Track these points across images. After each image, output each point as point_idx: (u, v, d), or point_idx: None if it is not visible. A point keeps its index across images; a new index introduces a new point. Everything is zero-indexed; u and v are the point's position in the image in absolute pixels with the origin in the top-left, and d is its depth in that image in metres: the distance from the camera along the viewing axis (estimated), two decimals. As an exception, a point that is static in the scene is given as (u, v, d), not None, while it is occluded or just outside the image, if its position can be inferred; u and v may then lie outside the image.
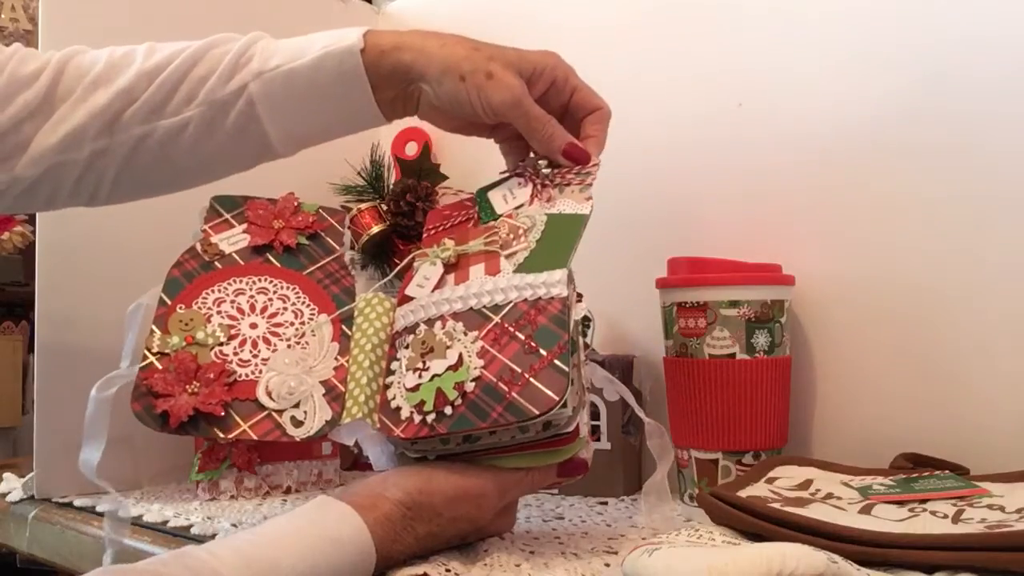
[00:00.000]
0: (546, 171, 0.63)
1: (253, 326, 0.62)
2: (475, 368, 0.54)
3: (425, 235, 0.66)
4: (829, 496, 0.58)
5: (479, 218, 0.64)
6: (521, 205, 0.62)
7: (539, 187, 0.62)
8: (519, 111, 0.62)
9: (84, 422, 0.59)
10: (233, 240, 0.68)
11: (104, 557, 0.60)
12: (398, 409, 0.56)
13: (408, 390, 0.56)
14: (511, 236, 0.60)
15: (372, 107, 0.63)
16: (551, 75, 0.63)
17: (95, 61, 0.63)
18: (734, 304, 0.68)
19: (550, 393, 0.51)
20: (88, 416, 0.59)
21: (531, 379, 0.52)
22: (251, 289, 0.65)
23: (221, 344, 0.61)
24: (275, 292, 0.65)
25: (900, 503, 0.54)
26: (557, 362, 0.53)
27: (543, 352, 0.53)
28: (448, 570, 0.52)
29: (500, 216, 0.63)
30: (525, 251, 0.59)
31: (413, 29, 0.63)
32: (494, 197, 0.64)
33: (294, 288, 0.65)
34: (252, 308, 0.64)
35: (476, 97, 0.61)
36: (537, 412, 0.51)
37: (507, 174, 0.66)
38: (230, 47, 0.63)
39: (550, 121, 0.62)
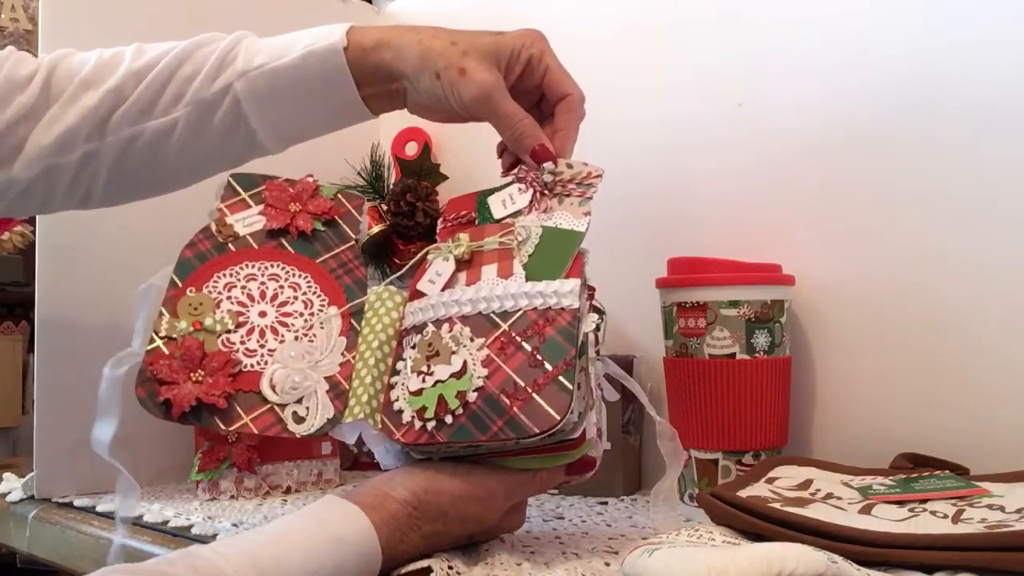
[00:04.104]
0: (547, 178, 0.62)
1: (262, 314, 0.61)
2: (478, 377, 0.53)
3: (440, 227, 0.65)
4: (829, 496, 0.58)
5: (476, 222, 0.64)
6: (519, 211, 0.62)
7: (539, 195, 0.62)
8: (489, 107, 0.61)
9: (97, 399, 0.58)
10: (248, 222, 0.67)
11: (110, 555, 0.60)
12: (400, 412, 0.55)
13: (411, 393, 0.55)
14: None
15: (358, 103, 0.64)
16: (527, 55, 0.63)
17: (84, 62, 0.64)
18: (734, 304, 0.68)
19: (551, 412, 0.51)
20: (100, 394, 0.58)
21: (534, 395, 0.52)
22: (263, 275, 0.64)
23: (229, 331, 0.60)
24: (287, 280, 0.64)
25: (900, 503, 0.54)
26: (562, 379, 0.52)
27: (548, 367, 0.52)
28: (451, 567, 0.52)
29: (497, 221, 0.62)
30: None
31: (396, 24, 0.64)
32: (493, 202, 0.64)
33: (306, 277, 0.64)
34: (263, 295, 0.63)
35: (451, 93, 0.61)
36: (537, 431, 0.51)
37: (509, 179, 0.65)
38: (216, 46, 0.64)
39: (521, 120, 0.62)
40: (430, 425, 0.53)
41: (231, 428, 0.56)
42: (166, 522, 0.70)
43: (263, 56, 0.63)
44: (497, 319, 0.56)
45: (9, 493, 0.82)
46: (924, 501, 0.54)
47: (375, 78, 0.63)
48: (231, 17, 0.67)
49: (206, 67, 0.63)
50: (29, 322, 1.50)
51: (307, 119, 0.66)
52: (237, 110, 0.63)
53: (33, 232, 0.86)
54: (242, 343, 0.60)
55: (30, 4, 1.45)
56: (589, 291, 0.60)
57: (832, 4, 0.76)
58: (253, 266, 0.64)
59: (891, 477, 0.61)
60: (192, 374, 0.57)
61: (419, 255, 0.63)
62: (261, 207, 0.68)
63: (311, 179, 0.71)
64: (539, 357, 0.53)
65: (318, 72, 0.62)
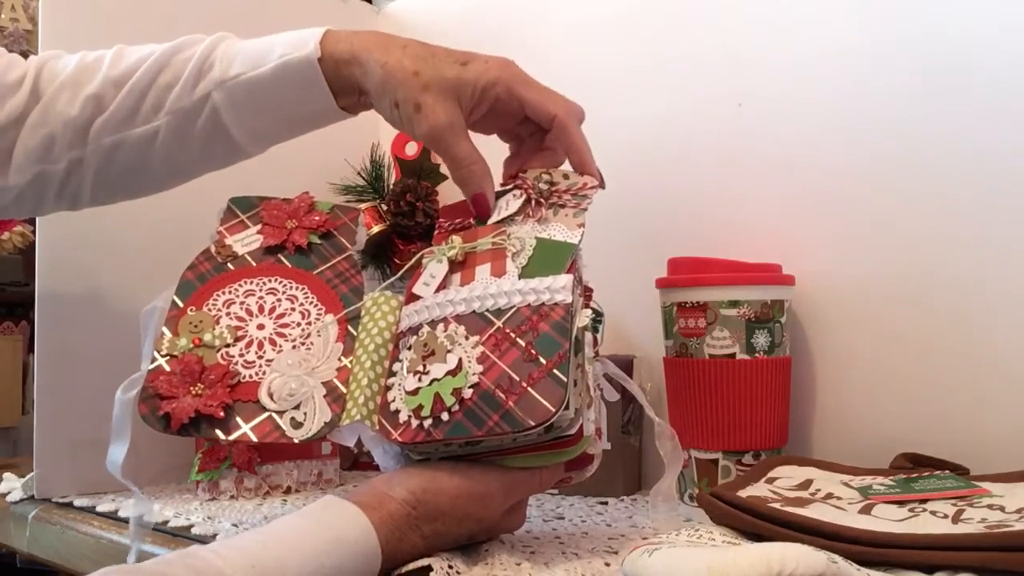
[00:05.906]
0: (543, 187, 0.62)
1: (260, 327, 0.63)
2: (474, 374, 0.54)
3: (436, 232, 0.66)
4: (829, 496, 0.58)
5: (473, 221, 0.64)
6: (511, 217, 0.62)
7: (533, 203, 0.62)
8: (440, 148, 0.62)
9: (112, 423, 0.59)
10: (247, 241, 0.69)
11: (128, 556, 0.61)
12: (397, 412, 0.56)
13: (407, 393, 0.55)
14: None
15: (335, 109, 0.65)
16: (492, 94, 0.62)
17: (66, 65, 0.65)
18: (734, 304, 0.68)
19: (547, 404, 0.51)
20: (114, 417, 0.59)
21: (529, 388, 0.52)
22: (261, 290, 0.65)
23: (228, 345, 0.61)
24: (284, 293, 0.65)
25: (900, 503, 0.54)
26: (556, 372, 0.52)
27: (543, 360, 0.53)
28: (451, 567, 0.52)
29: (488, 224, 0.63)
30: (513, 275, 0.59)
31: (370, 33, 0.63)
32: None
33: (303, 288, 0.66)
34: (261, 309, 0.64)
35: (407, 125, 0.62)
36: (533, 423, 0.51)
37: (509, 185, 0.65)
38: (194, 51, 0.64)
39: (469, 165, 0.62)
40: (427, 423, 0.53)
41: (230, 437, 0.57)
42: (166, 522, 0.70)
43: (238, 65, 0.63)
44: (491, 316, 0.56)
45: (9, 493, 0.82)
46: (924, 501, 0.54)
47: (349, 90, 0.64)
48: (231, 17, 0.67)
49: (184, 75, 0.63)
50: (29, 322, 1.50)
51: (286, 125, 0.67)
52: (216, 119, 0.64)
53: (33, 232, 0.86)
54: (241, 355, 0.61)
55: (30, 4, 1.45)
56: (586, 292, 0.60)
57: (833, 5, 0.76)
58: (251, 282, 0.66)
59: (891, 477, 0.61)
60: (192, 388, 0.58)
61: (414, 259, 0.64)
62: (259, 227, 0.70)
63: (307, 195, 0.72)
64: (533, 352, 0.53)
65: (294, 83, 0.63)
